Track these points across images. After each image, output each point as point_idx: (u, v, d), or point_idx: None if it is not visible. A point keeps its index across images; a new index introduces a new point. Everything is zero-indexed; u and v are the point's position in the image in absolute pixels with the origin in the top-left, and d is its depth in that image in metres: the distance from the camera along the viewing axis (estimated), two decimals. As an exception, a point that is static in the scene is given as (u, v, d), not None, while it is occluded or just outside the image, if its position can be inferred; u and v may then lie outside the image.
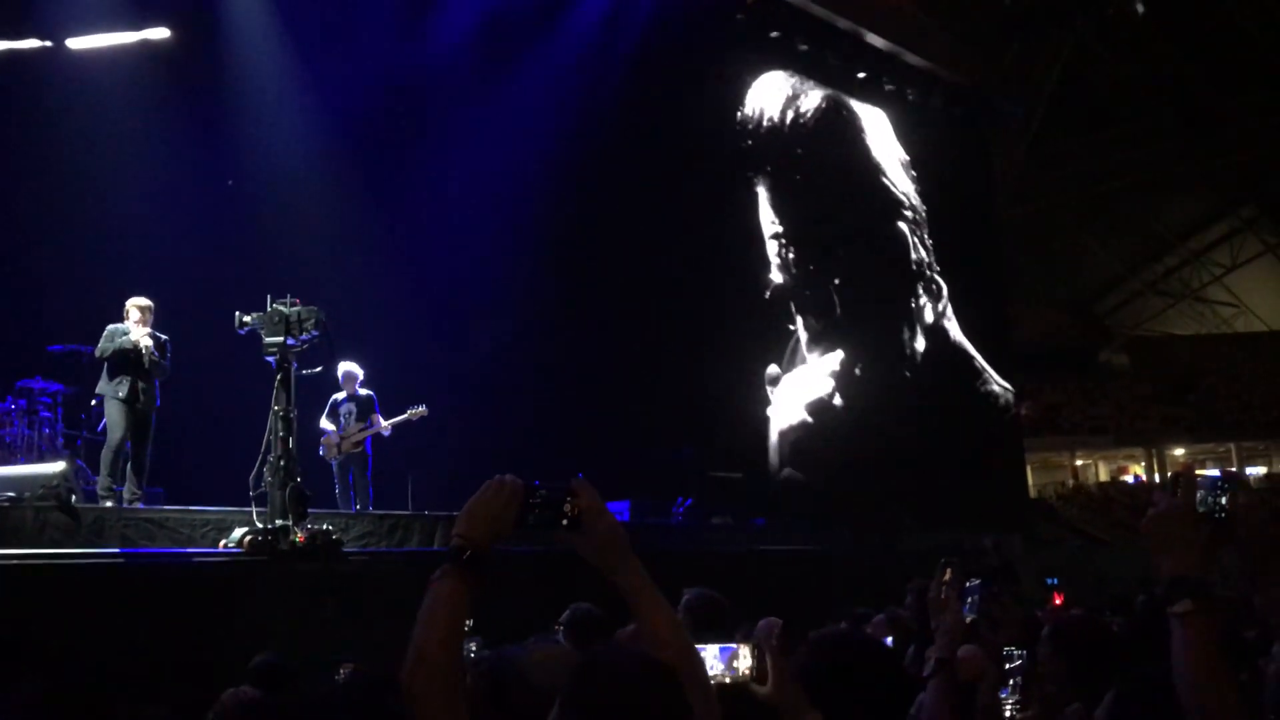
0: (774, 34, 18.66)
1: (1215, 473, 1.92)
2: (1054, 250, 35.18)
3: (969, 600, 3.30)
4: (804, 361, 18.58)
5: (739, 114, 18.49)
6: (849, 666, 2.40)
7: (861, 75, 20.35)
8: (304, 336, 7.91)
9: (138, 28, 11.95)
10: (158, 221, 11.72)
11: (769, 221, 18.52)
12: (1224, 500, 1.86)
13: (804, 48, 19.11)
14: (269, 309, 7.91)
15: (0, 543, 6.99)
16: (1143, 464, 38.39)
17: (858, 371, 19.15)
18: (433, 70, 13.93)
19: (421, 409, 10.67)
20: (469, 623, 3.86)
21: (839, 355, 18.96)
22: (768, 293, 18.25)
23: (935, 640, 2.94)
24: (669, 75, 16.41)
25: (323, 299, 8.28)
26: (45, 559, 6.85)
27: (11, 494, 7.78)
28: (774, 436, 17.87)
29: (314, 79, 12.97)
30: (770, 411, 17.87)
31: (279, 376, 7.84)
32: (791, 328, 18.56)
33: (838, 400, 18.75)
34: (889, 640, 4.45)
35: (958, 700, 2.87)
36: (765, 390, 17.83)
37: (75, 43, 11.73)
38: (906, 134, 21.40)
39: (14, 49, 11.37)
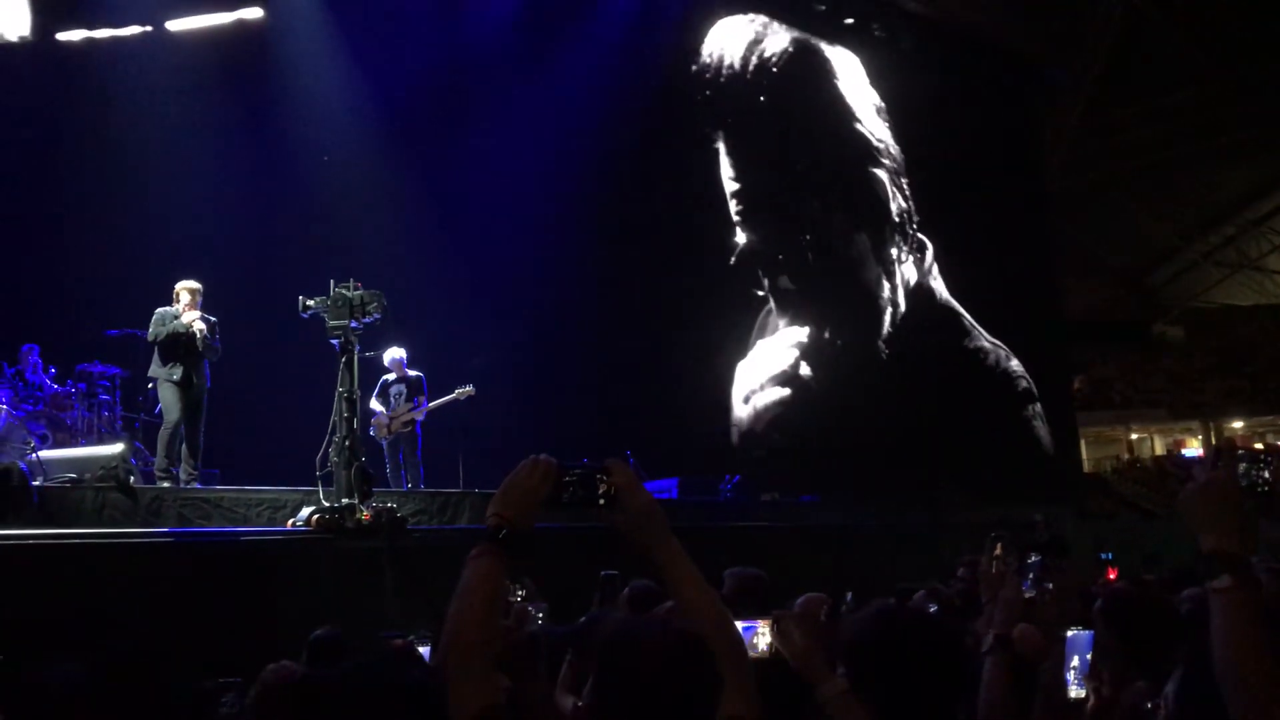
0: None
1: (1257, 446, 1.88)
2: (1105, 221, 34.58)
3: (1028, 576, 3.26)
4: (775, 330, 17.18)
5: (694, 64, 17.10)
6: (902, 641, 2.38)
7: (849, 21, 18.91)
8: (366, 319, 7.99)
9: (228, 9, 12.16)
10: (209, 206, 11.90)
11: (728, 178, 17.05)
12: (1266, 474, 1.83)
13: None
14: (332, 293, 7.99)
15: (62, 522, 7.16)
16: (1199, 437, 37.78)
17: (831, 335, 17.60)
18: (477, 50, 13.95)
19: (469, 388, 10.79)
20: (534, 588, 3.93)
21: (812, 318, 17.45)
22: (733, 257, 16.91)
23: (992, 616, 2.90)
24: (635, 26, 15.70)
25: (369, 279, 8.35)
26: (107, 538, 7.00)
27: (73, 475, 7.98)
28: (744, 411, 16.71)
29: (361, 63, 13.10)
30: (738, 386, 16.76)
31: (343, 359, 7.95)
32: (760, 293, 17.18)
33: (805, 370, 17.30)
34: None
35: (1016, 679, 2.84)
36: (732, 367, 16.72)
37: (174, 25, 11.94)
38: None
39: (117, 35, 11.60)
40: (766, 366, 16.98)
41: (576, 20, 14.94)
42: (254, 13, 12.54)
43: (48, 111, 11.43)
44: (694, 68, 17.02)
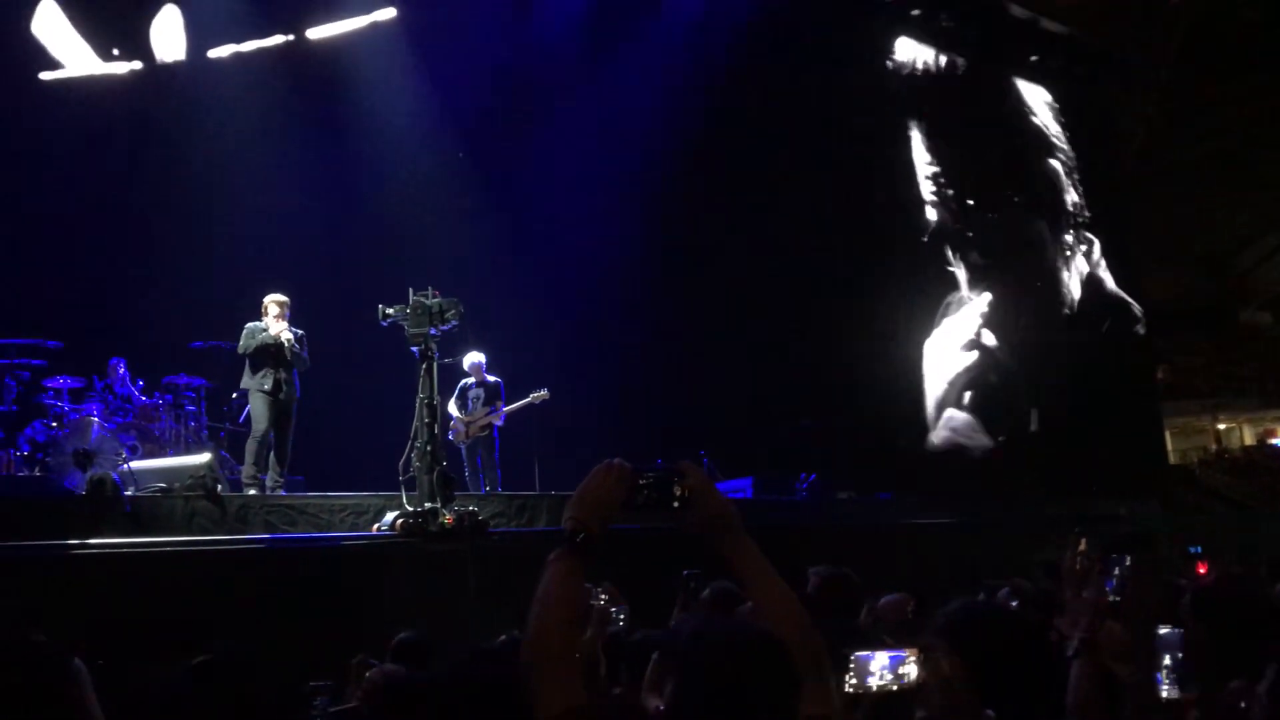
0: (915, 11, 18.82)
1: None
2: (1186, 207, 33.69)
3: (1113, 575, 3.20)
4: (966, 303, 18.46)
5: (889, 63, 18.49)
6: (988, 638, 2.36)
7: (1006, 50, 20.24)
8: (445, 326, 8.11)
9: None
10: (289, 219, 12.16)
11: (925, 162, 18.48)
12: None
13: (948, 24, 19.14)
14: (411, 301, 8.12)
15: (153, 531, 7.37)
16: (1292, 426, 36.62)
17: (1012, 314, 18.95)
18: (546, 50, 14.02)
19: (543, 392, 10.89)
20: (614, 590, 3.96)
21: (988, 298, 18.77)
22: (925, 235, 18.16)
23: (1074, 618, 2.85)
24: (800, 37, 16.14)
25: (447, 286, 8.46)
26: (197, 545, 7.19)
27: (162, 485, 8.20)
28: (930, 403, 17.75)
29: (433, 72, 13.24)
30: (927, 374, 17.73)
31: (423, 366, 8.08)
32: (951, 269, 18.43)
33: (991, 340, 18.58)
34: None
35: (1104, 679, 2.79)
36: (908, 357, 17.56)
37: (315, 33, 12.30)
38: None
39: (263, 46, 12.00)
40: (954, 339, 18.31)
41: (643, 17, 14.91)
42: (388, 13, 12.81)
43: (131, 131, 11.76)
44: (889, 65, 18.57)
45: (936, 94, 18.86)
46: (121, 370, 10.21)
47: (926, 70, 18.91)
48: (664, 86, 14.44)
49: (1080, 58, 21.57)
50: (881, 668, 2.44)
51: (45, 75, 11.72)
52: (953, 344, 18.17)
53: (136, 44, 12.11)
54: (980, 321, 18.52)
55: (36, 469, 9.24)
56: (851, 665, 2.78)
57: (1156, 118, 27.68)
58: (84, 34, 11.83)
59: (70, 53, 11.84)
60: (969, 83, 19.44)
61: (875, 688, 2.55)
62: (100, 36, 11.93)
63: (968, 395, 17.96)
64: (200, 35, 12.28)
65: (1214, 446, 35.65)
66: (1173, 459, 28.12)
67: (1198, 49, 26.22)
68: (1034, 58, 20.92)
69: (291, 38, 12.39)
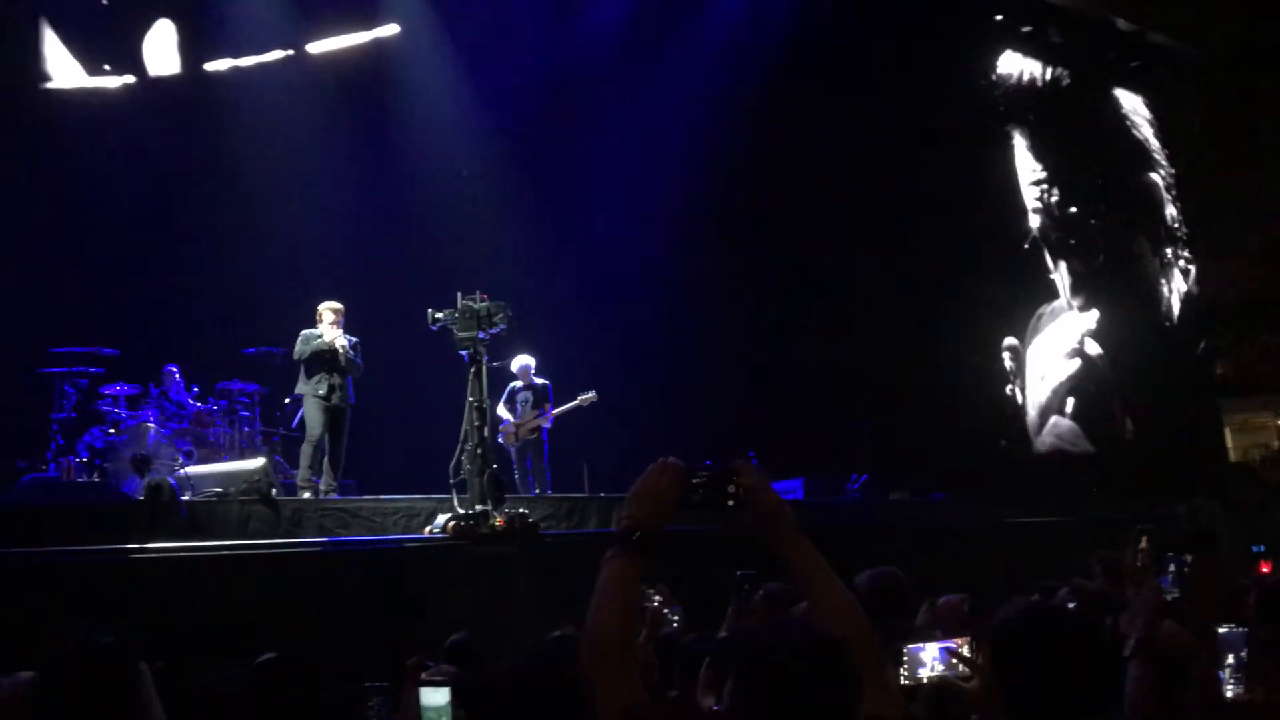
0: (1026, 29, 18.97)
1: None
2: (1242, 198, 33.01)
3: (1169, 572, 3.14)
4: (1065, 310, 18.51)
5: (994, 74, 18.63)
6: (1043, 641, 2.32)
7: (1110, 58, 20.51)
8: (493, 330, 8.17)
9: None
10: (336, 225, 12.30)
11: (1029, 169, 18.61)
12: None
13: (1056, 39, 19.34)
14: (459, 305, 8.17)
15: (209, 535, 7.48)
16: (1359, 422, 35.69)
17: (1114, 325, 19.06)
18: (593, 48, 13.98)
19: (591, 394, 10.91)
20: (669, 592, 3.95)
21: (1094, 312, 18.94)
22: (1026, 242, 18.21)
23: (1133, 617, 2.81)
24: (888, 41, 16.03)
25: (496, 290, 8.50)
26: (253, 549, 7.29)
27: (218, 489, 8.33)
28: (1031, 410, 17.80)
29: (477, 75, 13.30)
30: (1023, 382, 17.75)
31: (472, 369, 8.14)
32: (1053, 277, 18.49)
33: (1094, 349, 18.70)
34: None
35: (1162, 682, 2.74)
36: (1000, 359, 17.53)
37: (314, 48, 12.40)
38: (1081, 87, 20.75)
39: (261, 61, 12.12)
40: (1057, 346, 18.42)
41: (692, 15, 14.86)
42: (390, 29, 12.88)
43: (183, 140, 11.94)
44: (994, 76, 18.74)
45: (1040, 103, 19.07)
46: (176, 376, 10.38)
47: (1031, 82, 19.12)
48: (714, 86, 14.35)
49: (1134, 50, 21.33)
50: (933, 659, 2.43)
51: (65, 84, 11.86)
52: (1056, 351, 18.28)
53: (132, 59, 12.18)
54: (1085, 331, 18.65)
55: (95, 475, 9.44)
56: (905, 658, 2.76)
57: (1208, 107, 27.19)
58: (74, 50, 11.93)
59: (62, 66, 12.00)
60: (1072, 94, 19.58)
61: (928, 679, 2.53)
62: (92, 52, 12.02)
63: (1070, 402, 18.07)
64: (239, 42, 12.37)
65: (1276, 444, 34.88)
66: (1233, 456, 27.57)
67: (1252, 36, 25.73)
68: (1134, 64, 20.96)
69: (291, 52, 12.45)
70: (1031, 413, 17.79)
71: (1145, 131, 21.21)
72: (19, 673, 2.88)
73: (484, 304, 8.16)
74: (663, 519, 2.08)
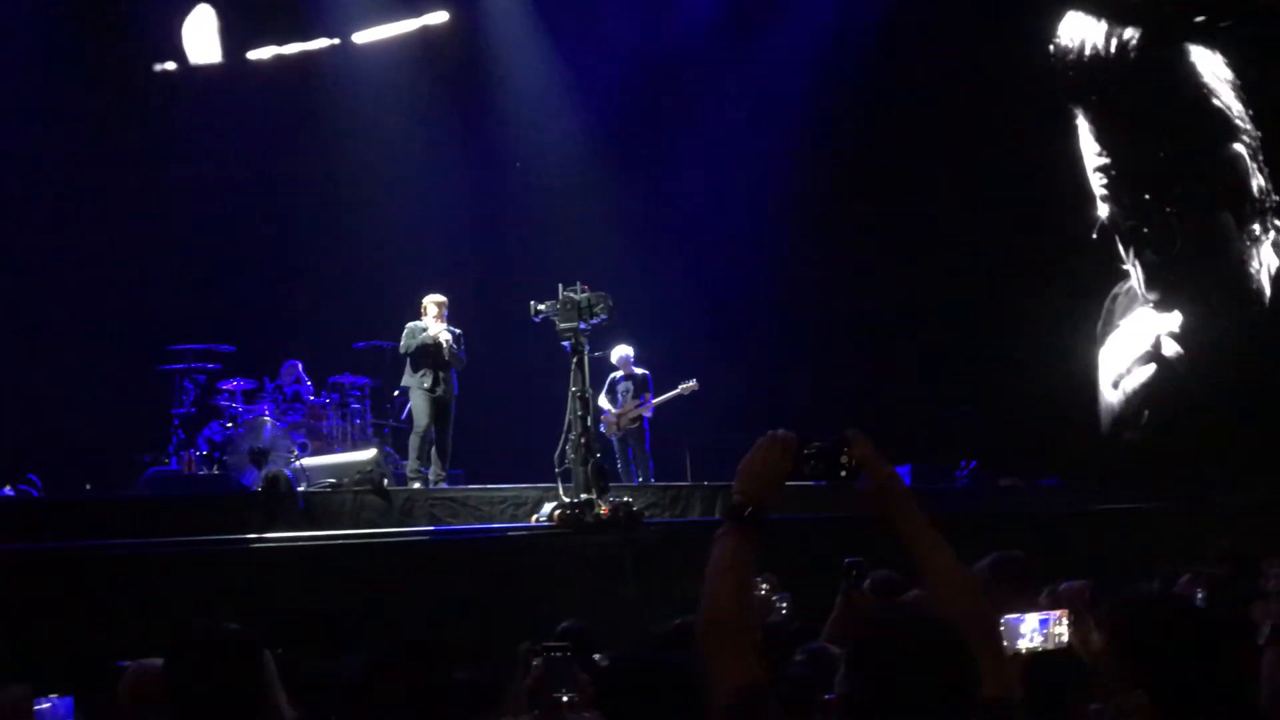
0: None
1: None
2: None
3: None
4: (1142, 302, 17.00)
5: (1053, 46, 17.38)
6: (1165, 629, 2.26)
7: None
8: (594, 320, 8.21)
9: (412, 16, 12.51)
10: (437, 218, 12.49)
11: (1094, 153, 17.32)
12: None
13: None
14: (560, 296, 8.24)
15: (324, 525, 7.69)
16: None
17: (1197, 316, 17.16)
18: (687, 36, 13.91)
19: (692, 383, 10.90)
20: (776, 580, 3.92)
21: (1177, 299, 17.13)
22: (1094, 231, 16.94)
23: (1270, 606, 2.71)
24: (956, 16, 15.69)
25: (591, 280, 8.53)
26: (367, 538, 7.46)
27: (332, 480, 8.56)
28: (1104, 393, 16.67)
29: (569, 62, 13.34)
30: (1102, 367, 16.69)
31: (574, 359, 8.20)
32: (1124, 267, 17.11)
33: (1172, 349, 16.90)
34: (1199, 600, 4.17)
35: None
36: (1079, 344, 16.77)
37: (360, 37, 12.49)
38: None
39: (306, 50, 12.27)
40: (1130, 348, 16.86)
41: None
42: (439, 17, 12.86)
43: (271, 131, 12.20)
44: (1052, 49, 17.39)
45: (1106, 78, 17.57)
46: (298, 371, 10.66)
47: (1095, 54, 17.65)
48: (810, 69, 14.13)
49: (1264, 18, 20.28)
50: (1032, 630, 2.37)
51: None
52: (1128, 354, 16.82)
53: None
54: (1161, 331, 16.94)
55: (215, 467, 9.77)
56: (1001, 629, 2.70)
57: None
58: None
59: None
60: (1142, 64, 17.91)
61: (1025, 650, 2.48)
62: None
63: (1146, 414, 16.42)
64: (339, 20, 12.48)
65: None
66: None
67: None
68: (1222, 23, 19.63)
69: (337, 41, 12.41)
70: (1104, 422, 16.29)
71: (1226, 96, 19.45)
72: (149, 659, 2.98)
73: (585, 295, 8.20)
74: (775, 493, 2.04)
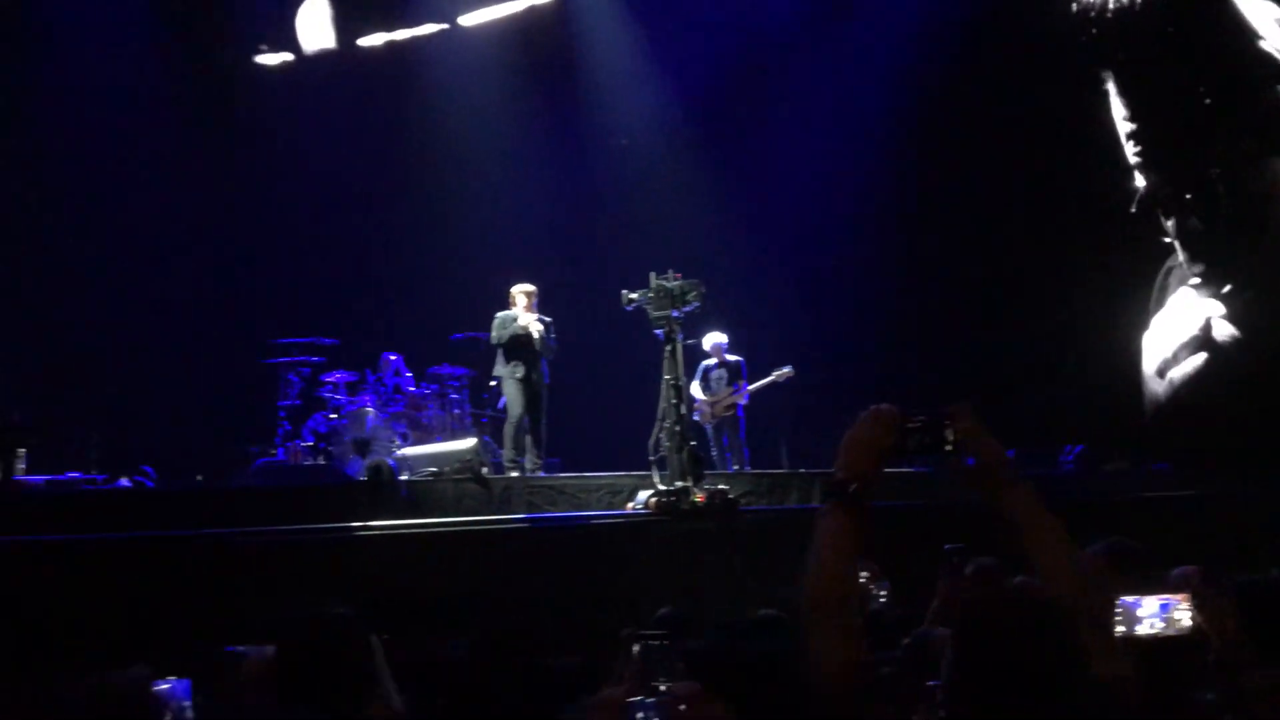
0: None
1: None
2: None
3: None
4: (1187, 281, 15.21)
5: (1075, 4, 15.88)
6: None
7: None
8: (686, 308, 8.21)
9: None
10: (529, 207, 12.61)
11: (1122, 119, 15.75)
12: None
13: None
14: (652, 284, 8.25)
15: (426, 513, 7.82)
16: None
17: (1247, 294, 15.07)
18: (773, 20, 13.81)
19: (787, 370, 10.81)
20: (877, 569, 3.88)
21: (1225, 271, 15.17)
22: (1134, 204, 15.31)
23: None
24: None
25: (683, 268, 8.52)
26: (469, 526, 7.58)
27: (433, 469, 8.71)
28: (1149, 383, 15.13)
29: (661, 46, 13.31)
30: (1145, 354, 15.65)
31: (667, 348, 8.20)
32: (1167, 240, 15.40)
33: (1224, 331, 14.94)
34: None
35: None
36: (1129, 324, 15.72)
37: (467, 19, 12.61)
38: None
39: (415, 35, 12.44)
40: (1177, 332, 15.08)
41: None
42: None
43: (365, 122, 12.43)
44: (1075, 8, 15.94)
45: (1134, 30, 15.90)
46: (397, 363, 10.88)
47: (1120, 6, 15.87)
48: (893, 54, 13.87)
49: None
50: (1151, 615, 2.30)
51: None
52: (1175, 338, 15.01)
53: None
54: (1210, 314, 14.90)
55: (320, 458, 10.02)
56: (1119, 612, 2.63)
57: None
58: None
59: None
60: (1174, 8, 16.07)
61: (1144, 634, 2.41)
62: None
63: (1197, 407, 14.44)
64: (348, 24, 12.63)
65: None
66: None
67: None
68: None
69: (446, 26, 12.48)
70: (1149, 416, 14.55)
71: (1276, 37, 17.52)
72: (263, 645, 3.07)
73: (677, 283, 8.20)
74: (878, 469, 2.00)
